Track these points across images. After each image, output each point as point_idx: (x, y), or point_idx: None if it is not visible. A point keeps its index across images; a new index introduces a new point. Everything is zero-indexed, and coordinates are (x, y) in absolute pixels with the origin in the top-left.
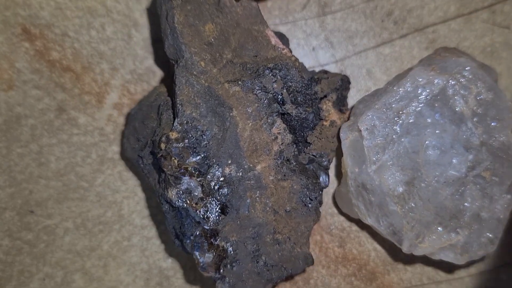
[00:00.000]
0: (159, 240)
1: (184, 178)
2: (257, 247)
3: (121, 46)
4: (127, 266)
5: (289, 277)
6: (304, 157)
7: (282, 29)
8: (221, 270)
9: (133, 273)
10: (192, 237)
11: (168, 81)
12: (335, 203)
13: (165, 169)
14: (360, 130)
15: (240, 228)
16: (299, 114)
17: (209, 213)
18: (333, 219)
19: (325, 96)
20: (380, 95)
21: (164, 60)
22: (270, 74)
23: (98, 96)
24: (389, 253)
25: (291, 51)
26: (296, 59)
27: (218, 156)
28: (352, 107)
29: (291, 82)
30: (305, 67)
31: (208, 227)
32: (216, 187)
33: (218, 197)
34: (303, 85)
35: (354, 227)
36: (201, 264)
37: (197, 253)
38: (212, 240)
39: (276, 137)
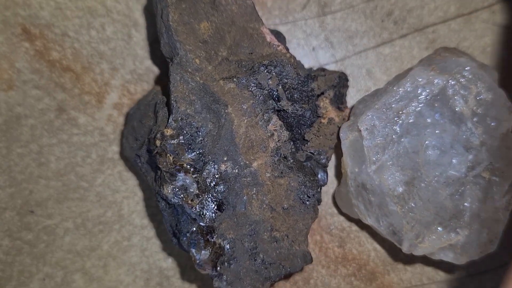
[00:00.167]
0: (159, 240)
1: (179, 174)
2: (254, 244)
3: (121, 46)
4: (127, 266)
5: (288, 276)
6: (302, 154)
7: (282, 29)
8: (218, 268)
9: (133, 273)
10: (188, 234)
11: (164, 80)
12: (335, 203)
13: (160, 166)
14: (360, 130)
15: (237, 226)
16: (296, 111)
17: (205, 210)
18: (333, 219)
19: (322, 93)
20: (380, 95)
21: (162, 60)
22: (265, 71)
23: (98, 96)
24: (389, 253)
25: (287, 49)
26: (291, 56)
27: (214, 152)
28: (352, 107)
29: (286, 79)
30: (302, 64)
31: (204, 224)
32: (212, 184)
33: (214, 194)
34: (299, 81)
35: (354, 227)
36: (198, 261)
37: (193, 250)
38: (208, 237)
39: (273, 134)
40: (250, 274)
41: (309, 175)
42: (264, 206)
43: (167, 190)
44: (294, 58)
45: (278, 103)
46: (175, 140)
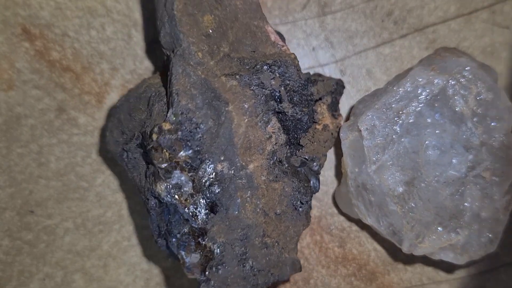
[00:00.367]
0: None
1: (175, 172)
2: (244, 250)
3: (121, 46)
4: (127, 266)
5: (275, 284)
6: (296, 159)
7: (282, 29)
8: (207, 273)
9: (133, 273)
10: (178, 236)
11: (160, 72)
12: (335, 203)
13: (155, 162)
14: (360, 130)
15: (229, 229)
16: (295, 114)
17: (199, 211)
18: (333, 219)
19: (320, 99)
20: (380, 95)
21: (158, 54)
22: (269, 71)
23: (98, 96)
24: (389, 253)
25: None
26: (296, 58)
27: (211, 151)
28: (352, 107)
29: (289, 80)
30: (300, 67)
31: (196, 226)
32: (207, 184)
33: (208, 195)
34: (300, 84)
35: (354, 227)
36: (187, 264)
37: (183, 253)
38: (199, 239)
39: (271, 136)
40: (237, 281)
41: (303, 181)
42: (258, 210)
43: (161, 187)
44: (297, 60)
45: (279, 105)
46: (173, 135)
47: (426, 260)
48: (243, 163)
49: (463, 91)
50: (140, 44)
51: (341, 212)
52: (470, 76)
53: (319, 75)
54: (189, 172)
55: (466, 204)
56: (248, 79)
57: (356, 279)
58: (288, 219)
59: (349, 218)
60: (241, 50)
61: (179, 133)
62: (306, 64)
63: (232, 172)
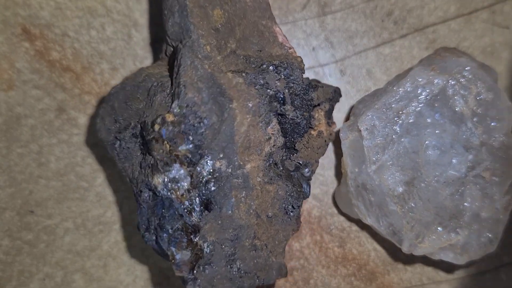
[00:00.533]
0: None
1: (174, 165)
2: (233, 250)
3: (121, 46)
4: (127, 266)
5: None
6: (291, 163)
7: (282, 29)
8: (195, 271)
9: (133, 273)
10: (171, 231)
11: (165, 63)
12: (335, 203)
13: (155, 153)
14: (360, 130)
15: (221, 228)
16: (295, 118)
17: (194, 207)
18: (333, 219)
19: (319, 105)
20: (380, 95)
21: (159, 45)
22: (274, 71)
23: (98, 96)
24: (389, 253)
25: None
26: (302, 61)
27: (211, 147)
28: (352, 107)
29: (293, 83)
30: (304, 71)
31: (190, 222)
32: (204, 180)
33: (204, 192)
34: (302, 88)
35: (354, 227)
36: (177, 261)
37: (173, 249)
38: (192, 236)
39: (270, 138)
40: (223, 282)
41: (296, 186)
42: (251, 211)
43: (158, 180)
44: (303, 63)
45: (282, 107)
46: (176, 127)
47: (426, 260)
48: (241, 162)
49: (463, 91)
50: (140, 44)
51: (341, 212)
52: (470, 76)
53: (317, 81)
54: (188, 167)
55: (466, 204)
56: (254, 78)
57: (356, 279)
58: (279, 222)
59: (349, 218)
60: (248, 48)
61: (182, 125)
62: (306, 64)
63: (230, 170)
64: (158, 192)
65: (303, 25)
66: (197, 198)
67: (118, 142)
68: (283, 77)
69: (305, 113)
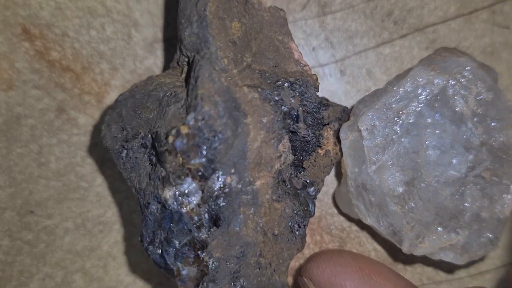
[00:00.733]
0: None
1: (187, 179)
2: (238, 268)
3: (121, 46)
4: (127, 266)
5: None
6: (298, 181)
7: None
8: None
9: (133, 273)
10: (178, 246)
11: (173, 72)
12: (335, 203)
13: (167, 165)
14: (360, 130)
15: (227, 245)
16: (306, 136)
17: (203, 222)
18: (333, 219)
19: (328, 124)
20: (380, 95)
21: (170, 53)
22: (290, 88)
23: (98, 96)
24: (389, 253)
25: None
26: (317, 79)
27: (223, 162)
28: (352, 107)
29: (306, 101)
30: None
31: (198, 238)
32: (214, 195)
33: (213, 207)
34: (315, 107)
35: (354, 227)
36: (183, 277)
37: (179, 264)
38: (199, 252)
39: (281, 155)
40: None
41: (303, 205)
42: (258, 229)
43: (169, 193)
44: (318, 81)
45: (295, 124)
46: (191, 140)
47: (426, 260)
48: (251, 179)
49: (463, 91)
50: (140, 44)
51: (341, 212)
52: (470, 76)
53: (326, 99)
54: (199, 181)
55: (466, 204)
56: (269, 93)
57: None
58: (284, 241)
59: (349, 218)
60: (263, 63)
61: (197, 139)
62: None
63: (240, 186)
64: (168, 206)
65: (303, 25)
66: (206, 214)
67: (125, 151)
68: (297, 94)
69: (316, 132)
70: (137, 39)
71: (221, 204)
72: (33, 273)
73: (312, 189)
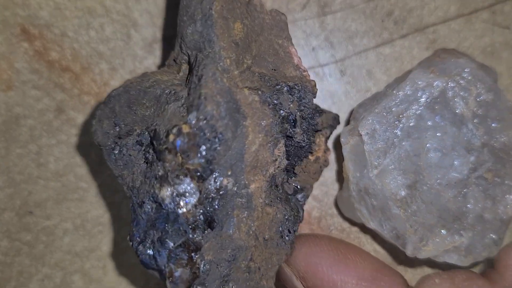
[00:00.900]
0: None
1: (185, 179)
2: (228, 271)
3: (120, 46)
4: (126, 267)
5: None
6: (289, 187)
7: None
8: None
9: (132, 274)
10: (172, 247)
11: (169, 70)
12: (336, 205)
13: (166, 164)
14: (361, 135)
15: (220, 248)
16: (300, 141)
17: (198, 224)
18: (333, 220)
19: (320, 130)
20: (380, 98)
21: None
22: (288, 93)
23: (98, 96)
24: (389, 254)
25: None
26: (315, 85)
27: (221, 164)
28: (352, 111)
29: (304, 107)
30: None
31: (193, 239)
32: (210, 197)
33: (209, 209)
34: (310, 113)
35: (354, 228)
36: (175, 278)
37: (172, 266)
38: (193, 254)
39: (276, 159)
40: None
41: (294, 210)
42: (251, 232)
43: (166, 192)
44: (316, 87)
45: (292, 129)
46: (191, 140)
47: (426, 261)
48: (247, 182)
49: (463, 93)
50: (139, 44)
51: (344, 217)
52: (469, 78)
53: (317, 106)
54: (197, 181)
55: (469, 205)
56: (269, 97)
57: None
58: (273, 246)
59: (352, 223)
60: (262, 65)
61: (197, 138)
62: (306, 64)
63: (235, 189)
64: (165, 206)
65: (303, 25)
66: (202, 215)
67: (118, 147)
68: (296, 99)
69: (311, 137)
70: (136, 39)
71: (216, 206)
72: (32, 273)
73: (301, 195)
